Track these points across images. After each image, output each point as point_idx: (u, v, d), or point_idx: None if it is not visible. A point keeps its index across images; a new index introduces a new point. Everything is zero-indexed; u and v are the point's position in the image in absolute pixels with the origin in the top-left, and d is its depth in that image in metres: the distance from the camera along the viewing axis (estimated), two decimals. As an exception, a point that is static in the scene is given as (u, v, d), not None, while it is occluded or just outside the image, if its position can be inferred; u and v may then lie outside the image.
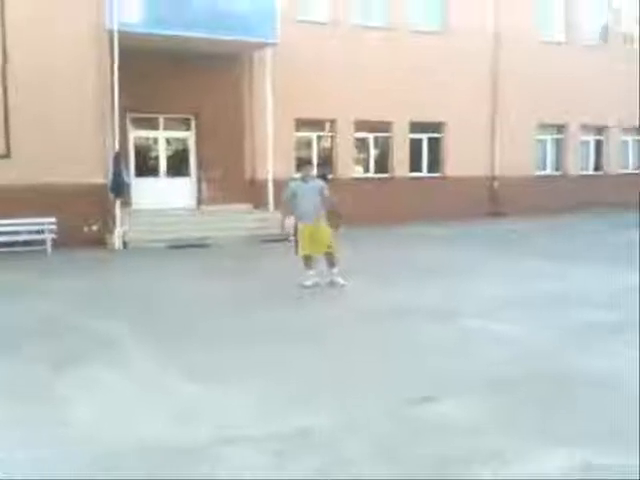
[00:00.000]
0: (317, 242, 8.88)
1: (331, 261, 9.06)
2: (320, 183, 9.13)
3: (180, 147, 17.40)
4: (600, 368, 5.30)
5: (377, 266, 11.24)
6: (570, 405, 4.50)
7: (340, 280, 8.97)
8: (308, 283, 8.97)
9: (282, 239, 15.11)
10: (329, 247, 8.93)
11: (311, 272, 9.06)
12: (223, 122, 16.77)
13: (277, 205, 16.36)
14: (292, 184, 9.20)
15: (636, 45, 23.10)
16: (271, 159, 16.33)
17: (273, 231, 15.45)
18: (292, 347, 6.09)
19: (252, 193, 17.01)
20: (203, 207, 16.67)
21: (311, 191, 8.95)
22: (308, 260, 9.06)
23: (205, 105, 16.55)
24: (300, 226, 8.95)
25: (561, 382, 4.99)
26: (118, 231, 14.16)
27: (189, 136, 17.17)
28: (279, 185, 16.48)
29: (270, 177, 16.30)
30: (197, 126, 16.99)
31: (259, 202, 16.73)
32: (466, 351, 5.92)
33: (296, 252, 9.10)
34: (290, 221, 9.10)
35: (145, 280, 10.38)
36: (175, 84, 15.91)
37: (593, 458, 3.56)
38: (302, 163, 9.29)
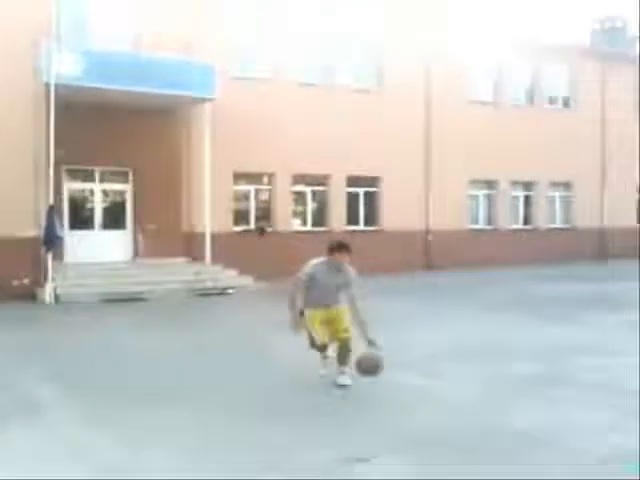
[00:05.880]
0: (332, 324, 6.77)
1: (344, 354, 6.71)
2: (352, 276, 6.77)
3: (117, 199, 17.24)
4: (522, 426, 5.45)
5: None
6: (491, 463, 4.62)
7: (347, 381, 6.67)
8: (324, 372, 6.98)
9: (219, 293, 15.18)
10: (346, 331, 6.72)
11: (329, 354, 6.98)
12: (161, 175, 16.76)
13: (214, 258, 16.48)
14: (313, 268, 6.70)
15: (559, 105, 24.41)
16: (208, 212, 16.35)
17: (209, 284, 15.50)
18: (223, 405, 6.05)
19: (189, 246, 16.96)
20: (139, 260, 16.48)
21: (336, 283, 6.71)
22: (324, 348, 6.94)
23: (143, 158, 16.51)
24: (308, 312, 6.75)
25: (483, 439, 5.11)
26: (49, 285, 13.84)
27: (126, 188, 17.06)
28: (216, 238, 16.62)
29: (207, 230, 16.31)
30: (135, 178, 16.91)
31: (196, 255, 16.68)
32: (391, 406, 6.01)
33: (311, 345, 6.88)
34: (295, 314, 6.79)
35: (74, 336, 10.12)
36: (113, 137, 15.86)
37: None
38: (335, 246, 6.66)
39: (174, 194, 17.03)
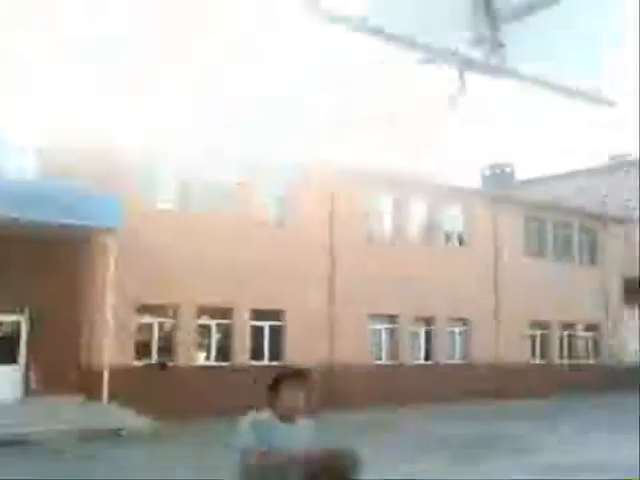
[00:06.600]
0: None
1: None
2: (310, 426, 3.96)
3: (10, 331, 16.45)
4: None
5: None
6: None
7: None
8: None
9: (113, 434, 14.38)
10: None
11: None
12: (60, 306, 16.20)
13: (111, 396, 15.74)
14: (250, 434, 3.69)
15: (455, 243, 25.69)
16: (108, 347, 15.85)
17: (105, 425, 14.68)
18: None
19: (86, 383, 16.20)
20: (30, 398, 15.52)
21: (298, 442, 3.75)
22: None
23: (42, 288, 15.98)
24: None
25: None
26: None
27: (21, 319, 16.35)
28: (115, 375, 15.98)
29: (106, 366, 15.72)
30: (31, 310, 16.28)
31: (94, 393, 15.93)
32: None
33: None
34: None
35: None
36: (10, 266, 15.40)
37: None
38: (281, 376, 3.77)
39: (72, 326, 16.46)
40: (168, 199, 18.85)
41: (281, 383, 3.76)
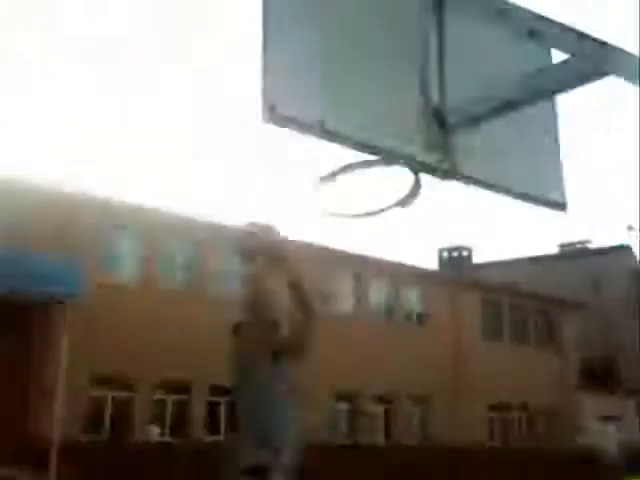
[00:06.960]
0: None
1: None
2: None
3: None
4: None
5: None
6: None
7: None
8: None
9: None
10: None
11: None
12: (9, 373, 15.74)
13: (60, 473, 15.06)
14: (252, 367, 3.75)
15: (414, 322, 25.79)
16: (58, 419, 15.34)
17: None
18: None
19: (33, 457, 15.57)
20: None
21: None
22: None
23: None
24: None
25: None
26: None
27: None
28: (65, 449, 15.28)
29: (55, 439, 15.16)
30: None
31: (40, 468, 15.28)
32: None
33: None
34: None
35: None
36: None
37: None
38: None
39: (22, 395, 15.96)
40: (130, 268, 18.80)
41: (240, 325, 4.05)
